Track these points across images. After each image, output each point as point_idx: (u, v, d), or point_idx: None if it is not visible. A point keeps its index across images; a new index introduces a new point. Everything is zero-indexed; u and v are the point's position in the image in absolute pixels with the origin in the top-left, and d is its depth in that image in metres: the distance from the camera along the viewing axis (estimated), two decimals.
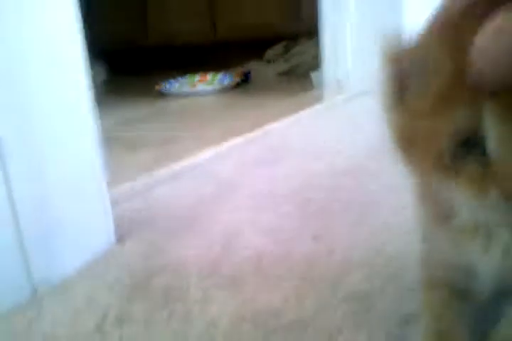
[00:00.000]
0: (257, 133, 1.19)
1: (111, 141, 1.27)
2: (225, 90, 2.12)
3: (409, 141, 0.31)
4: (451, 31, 0.28)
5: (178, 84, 2.18)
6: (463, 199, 0.30)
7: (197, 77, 2.25)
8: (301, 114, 1.38)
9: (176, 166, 0.95)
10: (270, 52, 2.61)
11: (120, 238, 0.69)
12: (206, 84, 2.18)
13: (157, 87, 2.11)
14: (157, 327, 0.48)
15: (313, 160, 0.96)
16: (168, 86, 2.14)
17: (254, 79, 2.36)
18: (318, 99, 1.64)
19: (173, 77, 2.22)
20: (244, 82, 2.27)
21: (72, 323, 0.50)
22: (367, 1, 1.72)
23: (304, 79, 2.03)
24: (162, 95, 2.09)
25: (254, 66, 2.60)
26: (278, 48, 2.58)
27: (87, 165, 0.64)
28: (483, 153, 0.27)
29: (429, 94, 0.29)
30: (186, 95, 2.07)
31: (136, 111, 1.81)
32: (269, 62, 2.60)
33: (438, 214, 0.36)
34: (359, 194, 0.77)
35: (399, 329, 0.44)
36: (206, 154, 1.02)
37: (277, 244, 0.63)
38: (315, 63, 1.92)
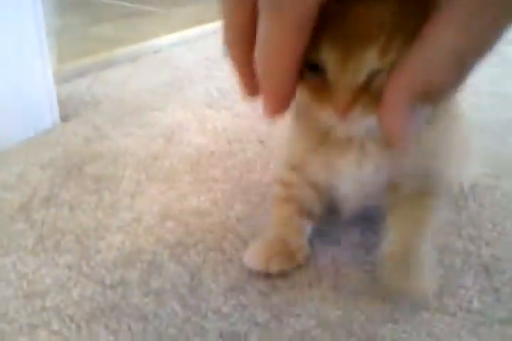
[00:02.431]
0: None
1: (67, 9, 1.18)
2: None
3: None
4: None
5: None
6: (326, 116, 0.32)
7: None
8: None
9: (134, 47, 0.90)
10: None
11: (65, 117, 0.67)
12: None
13: None
14: (81, 214, 0.48)
15: None
16: None
17: None
18: None
19: None
20: None
21: None
22: None
23: None
24: None
25: None
26: None
27: (27, 37, 0.59)
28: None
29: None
30: None
31: None
32: None
33: (315, 131, 0.38)
34: None
35: None
36: (169, 39, 0.97)
37: (220, 144, 0.62)
38: None
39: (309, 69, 0.30)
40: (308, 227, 0.45)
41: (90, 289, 0.40)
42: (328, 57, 0.29)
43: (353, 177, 0.39)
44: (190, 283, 0.41)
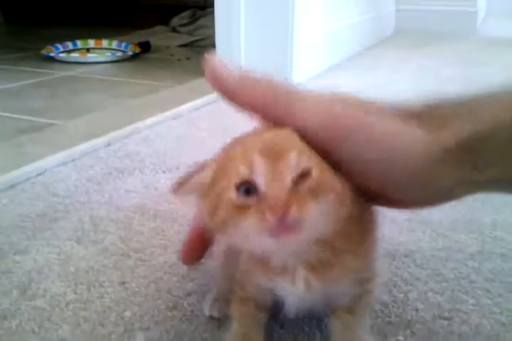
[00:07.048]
0: (124, 131, 1.14)
1: None
2: (120, 59, 2.02)
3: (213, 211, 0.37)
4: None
5: (67, 50, 2.04)
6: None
7: (91, 42, 2.12)
8: (181, 109, 1.34)
9: (14, 173, 0.90)
10: (176, 20, 2.50)
11: None
12: (99, 53, 2.05)
13: (43, 51, 1.96)
14: None
15: (163, 175, 0.94)
16: (56, 51, 2.00)
17: (154, 49, 2.26)
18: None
19: (66, 38, 2.08)
20: (144, 52, 2.17)
21: None
22: None
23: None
24: (48, 60, 1.96)
25: (158, 32, 2.49)
26: (184, 17, 2.48)
27: None
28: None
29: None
30: (75, 62, 1.94)
31: (8, 80, 1.69)
32: (174, 29, 2.50)
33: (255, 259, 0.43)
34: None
35: None
36: (55, 159, 0.97)
37: (78, 292, 0.61)
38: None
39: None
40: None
41: None
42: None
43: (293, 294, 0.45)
44: None
